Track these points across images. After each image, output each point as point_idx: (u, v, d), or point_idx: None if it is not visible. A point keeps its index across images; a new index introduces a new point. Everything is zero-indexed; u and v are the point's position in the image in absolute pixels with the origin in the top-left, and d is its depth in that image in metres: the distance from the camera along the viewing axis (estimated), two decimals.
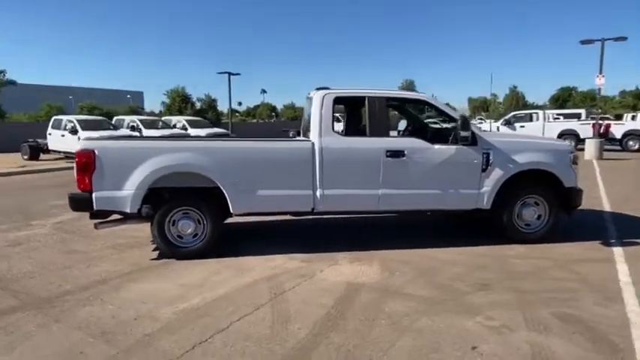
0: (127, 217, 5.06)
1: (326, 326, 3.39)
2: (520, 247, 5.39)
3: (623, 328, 3.32)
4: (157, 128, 19.14)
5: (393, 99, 5.61)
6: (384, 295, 3.98)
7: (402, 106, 6.50)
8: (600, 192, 9.25)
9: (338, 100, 5.39)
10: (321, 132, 5.13)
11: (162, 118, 22.59)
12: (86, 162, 4.82)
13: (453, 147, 5.24)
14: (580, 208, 5.70)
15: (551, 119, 21.85)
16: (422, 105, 5.91)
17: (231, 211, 5.05)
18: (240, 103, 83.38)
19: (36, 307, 3.82)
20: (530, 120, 21.25)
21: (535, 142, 5.67)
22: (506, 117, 22.21)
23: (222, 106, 43.46)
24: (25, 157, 17.70)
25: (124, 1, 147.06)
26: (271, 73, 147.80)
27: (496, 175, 5.31)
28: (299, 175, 5.09)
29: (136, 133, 17.75)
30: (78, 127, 16.45)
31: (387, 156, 5.14)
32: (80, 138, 11.75)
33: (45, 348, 3.14)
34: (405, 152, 5.18)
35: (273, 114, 77.61)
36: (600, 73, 16.77)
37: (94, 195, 4.85)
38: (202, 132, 19.52)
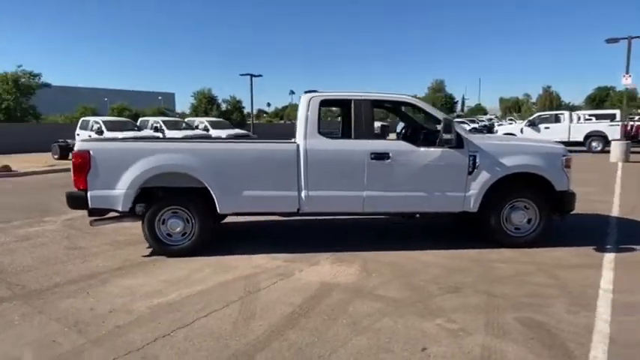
0: (121, 215, 5.30)
1: (287, 324, 3.49)
2: (509, 251, 5.32)
3: (585, 335, 3.27)
4: (180, 129, 19.66)
5: (379, 101, 5.64)
6: (355, 296, 4.04)
7: (394, 108, 6.51)
8: (614, 196, 8.95)
9: (325, 103, 5.46)
10: (307, 134, 5.22)
11: (186, 120, 23.16)
12: (82, 162, 5.07)
13: (439, 149, 5.22)
14: (588, 212, 5.57)
15: (581, 120, 21.16)
16: (407, 107, 5.92)
17: (218, 210, 5.21)
18: (269, 104, 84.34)
19: (24, 299, 4.07)
20: (556, 121, 20.67)
21: (525, 144, 5.59)
22: (531, 118, 21.64)
23: (249, 108, 44.13)
24: (56, 156, 18.51)
25: (159, 5, 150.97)
26: (300, 74, 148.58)
27: (483, 178, 5.26)
28: (284, 176, 5.19)
29: (159, 134, 18.32)
30: (103, 127, 17.12)
31: (372, 158, 5.18)
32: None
33: (23, 337, 3.37)
34: (390, 155, 5.20)
35: None
36: (627, 72, 16.12)
37: (89, 193, 5.10)
38: (223, 133, 19.93)
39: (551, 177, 5.36)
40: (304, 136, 5.21)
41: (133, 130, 17.88)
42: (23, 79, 23.97)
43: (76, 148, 5.15)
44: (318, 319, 3.58)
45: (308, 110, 5.29)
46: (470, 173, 5.27)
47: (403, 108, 6.53)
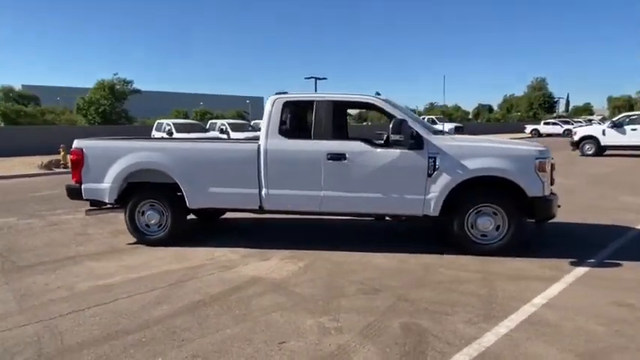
0: (110, 207, 5.96)
1: (184, 311, 3.77)
2: (471, 258, 5.06)
3: (458, 346, 3.11)
4: (245, 131, 20.77)
5: (341, 102, 5.66)
6: (270, 291, 4.19)
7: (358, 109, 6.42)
8: None
9: (290, 105, 5.64)
10: (268, 134, 5.45)
11: (252, 122, 24.36)
12: (77, 158, 5.82)
13: (397, 150, 5.14)
14: (608, 223, 5.11)
15: None
16: (369, 108, 5.84)
17: (188, 205, 5.64)
18: None
19: (6, 272, 4.83)
20: None
21: (493, 146, 5.24)
22: (615, 119, 19.37)
23: None
24: None
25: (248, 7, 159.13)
26: (393, 75, 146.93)
27: (443, 181, 5.07)
28: (246, 174, 5.47)
29: (224, 135, 19.57)
30: (173, 129, 18.75)
31: (328, 158, 5.25)
32: None
33: None
34: (347, 155, 5.23)
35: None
36: None
37: (82, 186, 5.83)
38: (242, 135, 20.63)
39: (521, 181, 5.00)
40: (265, 136, 5.45)
41: (200, 131, 19.31)
42: (118, 86, 27.18)
43: (73, 146, 5.91)
44: (216, 308, 3.81)
45: (271, 111, 5.52)
46: (430, 175, 5.10)
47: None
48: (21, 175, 14.29)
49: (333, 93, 5.58)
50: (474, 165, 5.03)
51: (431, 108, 76.33)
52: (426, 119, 32.89)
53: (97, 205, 6.07)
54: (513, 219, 5.08)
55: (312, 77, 28.63)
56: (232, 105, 55.71)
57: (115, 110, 25.88)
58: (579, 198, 8.79)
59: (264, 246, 5.62)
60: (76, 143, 5.90)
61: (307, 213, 5.71)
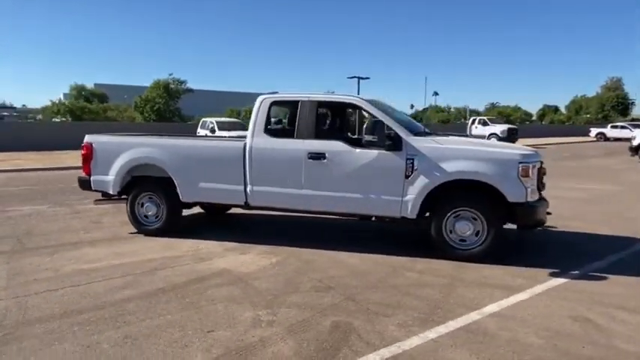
0: (115, 198, 6.42)
1: (143, 296, 4.03)
2: (446, 263, 4.95)
3: (376, 347, 3.11)
4: (236, 129, 21.03)
5: (324, 102, 5.70)
6: (229, 283, 4.37)
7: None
8: None
9: (277, 104, 5.79)
10: (254, 133, 5.63)
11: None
12: (87, 153, 6.31)
13: (375, 151, 5.13)
14: (618, 234, 4.89)
15: None
16: (352, 108, 5.83)
17: (181, 198, 5.95)
18: (412, 106, 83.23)
19: (12, 253, 5.36)
20: None
21: (473, 149, 5.06)
22: None
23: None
24: None
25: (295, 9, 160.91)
26: (445, 74, 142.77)
27: (421, 183, 5.00)
28: (233, 171, 5.68)
29: (227, 134, 20.11)
30: (216, 127, 19.53)
31: (309, 158, 5.34)
32: None
33: None
34: (327, 155, 5.29)
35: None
36: None
37: (91, 178, 6.32)
38: (228, 134, 20.70)
39: (502, 186, 4.82)
40: (251, 134, 5.63)
41: (240, 129, 19.91)
42: (172, 85, 28.72)
43: (84, 141, 6.41)
44: (171, 295, 4.04)
45: (258, 111, 5.69)
46: (407, 177, 5.05)
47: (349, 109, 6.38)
48: (73, 167, 15.55)
49: (318, 93, 5.67)
50: (452, 168, 4.92)
51: (491, 108, 73.41)
52: (477, 120, 31.91)
53: (106, 196, 6.55)
54: (492, 225, 4.90)
55: (354, 77, 28.53)
56: None
57: (169, 108, 27.46)
58: (609, 206, 8.22)
59: (252, 241, 5.80)
60: (87, 138, 6.40)
61: (290, 210, 5.83)
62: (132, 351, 3.07)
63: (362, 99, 5.50)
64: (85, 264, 4.94)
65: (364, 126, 5.03)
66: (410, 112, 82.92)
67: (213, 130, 19.39)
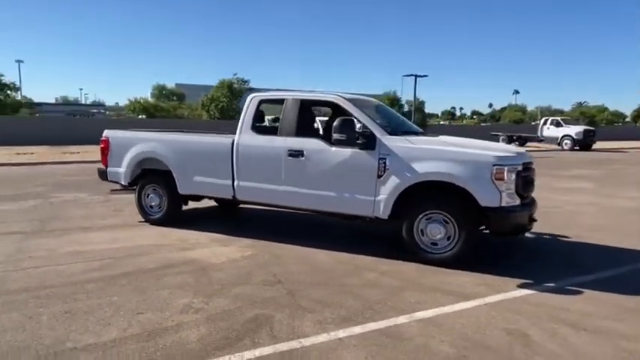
0: (127, 188, 6.96)
1: (104, 278, 4.38)
2: (416, 266, 4.82)
3: (279, 342, 3.16)
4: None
5: (308, 101, 5.73)
6: (190, 272, 4.60)
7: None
8: None
9: (266, 102, 5.94)
10: (242, 130, 5.84)
11: None
12: (105, 146, 6.92)
13: (349, 150, 5.11)
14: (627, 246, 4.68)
15: None
16: (333, 107, 5.77)
17: (179, 191, 6.32)
18: (490, 105, 79.39)
19: (31, 234, 6.03)
20: None
21: (445, 150, 4.82)
22: None
23: (433, 109, 42.67)
24: None
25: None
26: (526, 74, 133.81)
27: (392, 184, 4.90)
28: (222, 166, 5.94)
29: None
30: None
31: (289, 155, 5.44)
32: None
33: None
34: (304, 152, 5.36)
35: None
36: None
37: (107, 169, 6.92)
38: None
39: (473, 189, 4.59)
40: (239, 131, 5.85)
41: None
42: (236, 85, 29.98)
43: (103, 135, 7.02)
44: (130, 279, 4.36)
45: (247, 108, 5.89)
46: (379, 177, 4.97)
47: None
48: None
49: (302, 91, 5.74)
50: (423, 168, 4.76)
51: (578, 107, 67.95)
52: (549, 121, 29.77)
53: (121, 186, 7.12)
54: (464, 229, 4.68)
55: (411, 75, 27.79)
56: None
57: (232, 107, 28.74)
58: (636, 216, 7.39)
59: (241, 235, 6.01)
60: (105, 133, 7.00)
61: (272, 206, 5.96)
62: (63, 323, 3.39)
63: (342, 97, 5.48)
64: (81, 247, 5.44)
65: (333, 124, 5.01)
66: (487, 110, 79.20)
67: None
